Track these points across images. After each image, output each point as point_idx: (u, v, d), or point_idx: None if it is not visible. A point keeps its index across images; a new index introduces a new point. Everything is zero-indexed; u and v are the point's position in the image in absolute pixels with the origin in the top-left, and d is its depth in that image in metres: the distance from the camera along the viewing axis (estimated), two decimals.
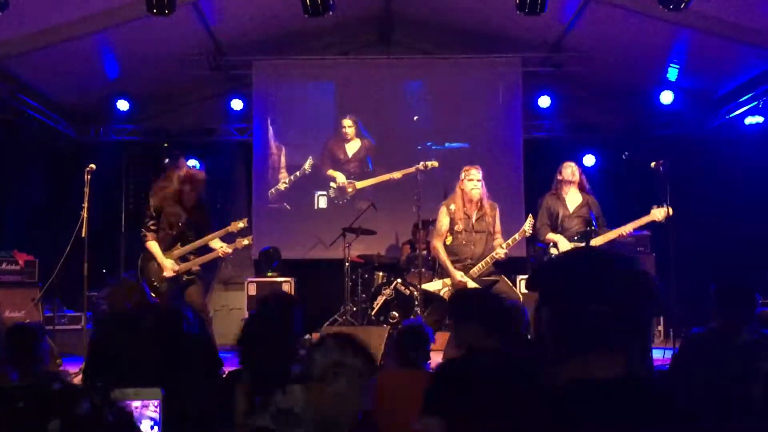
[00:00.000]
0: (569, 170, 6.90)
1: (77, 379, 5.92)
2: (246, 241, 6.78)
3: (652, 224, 6.86)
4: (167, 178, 6.60)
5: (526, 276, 8.12)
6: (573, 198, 6.88)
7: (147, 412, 1.37)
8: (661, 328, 8.72)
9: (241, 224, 6.71)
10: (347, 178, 9.69)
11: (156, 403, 1.39)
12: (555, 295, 1.48)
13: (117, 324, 2.36)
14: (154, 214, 6.47)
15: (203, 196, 6.64)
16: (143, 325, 2.26)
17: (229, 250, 6.62)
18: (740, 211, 8.88)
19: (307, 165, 9.75)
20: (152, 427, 1.38)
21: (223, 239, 6.67)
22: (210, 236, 6.56)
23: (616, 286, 1.44)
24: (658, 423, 1.36)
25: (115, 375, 1.98)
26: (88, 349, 2.24)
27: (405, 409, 2.98)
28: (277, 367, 3.16)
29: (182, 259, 6.50)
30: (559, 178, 6.93)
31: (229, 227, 6.66)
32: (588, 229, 6.75)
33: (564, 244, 6.63)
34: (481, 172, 6.79)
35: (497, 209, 6.90)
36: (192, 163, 10.12)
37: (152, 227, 6.47)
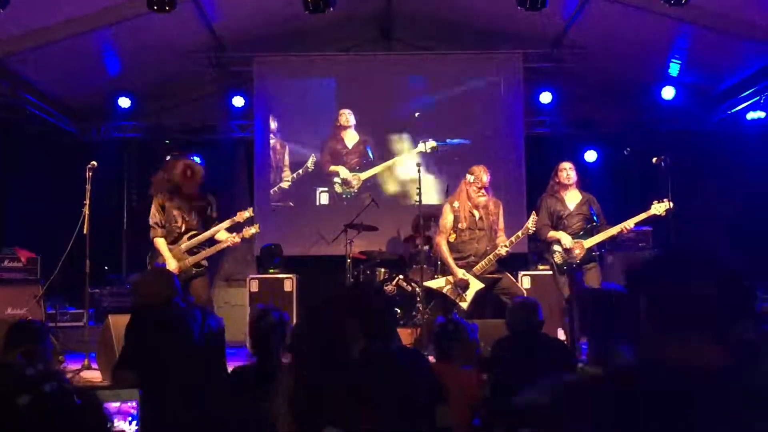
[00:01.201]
0: (564, 173, 6.86)
1: (79, 377, 5.95)
2: (253, 230, 6.65)
3: (654, 220, 6.85)
4: (167, 171, 6.50)
5: (527, 273, 8.12)
6: (572, 197, 6.87)
7: (125, 408, 1.38)
8: None
9: (246, 214, 6.63)
10: (350, 171, 9.69)
11: (134, 403, 1.42)
12: (662, 280, 1.54)
13: (159, 324, 2.32)
14: (159, 210, 6.40)
15: (204, 187, 6.59)
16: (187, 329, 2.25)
17: (238, 240, 6.52)
18: (742, 206, 8.88)
19: (310, 163, 9.74)
20: (131, 422, 1.40)
21: (229, 230, 6.61)
22: (216, 228, 6.50)
23: (720, 272, 1.53)
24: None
25: (150, 373, 1.96)
26: (126, 343, 2.21)
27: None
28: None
29: (190, 252, 6.41)
30: (556, 180, 6.91)
31: (235, 217, 6.59)
32: (590, 225, 6.76)
33: (567, 240, 6.63)
34: (488, 174, 6.76)
35: (501, 206, 6.91)
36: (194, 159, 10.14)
37: (158, 224, 6.39)
